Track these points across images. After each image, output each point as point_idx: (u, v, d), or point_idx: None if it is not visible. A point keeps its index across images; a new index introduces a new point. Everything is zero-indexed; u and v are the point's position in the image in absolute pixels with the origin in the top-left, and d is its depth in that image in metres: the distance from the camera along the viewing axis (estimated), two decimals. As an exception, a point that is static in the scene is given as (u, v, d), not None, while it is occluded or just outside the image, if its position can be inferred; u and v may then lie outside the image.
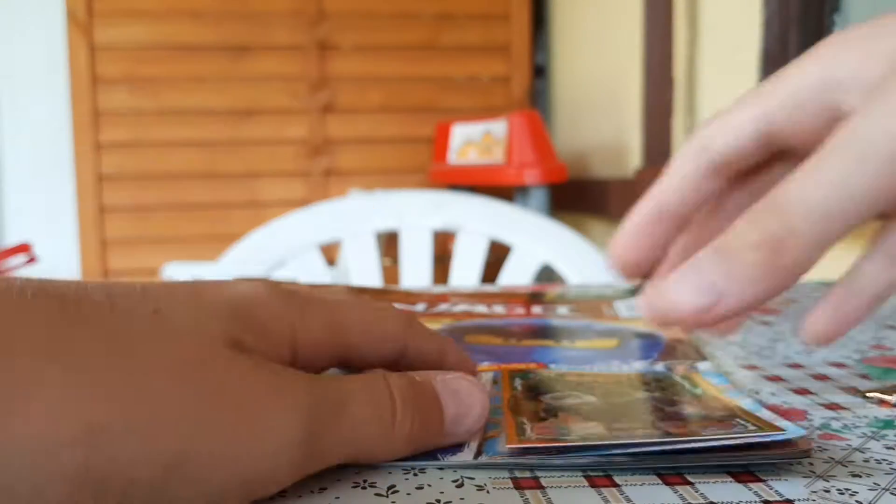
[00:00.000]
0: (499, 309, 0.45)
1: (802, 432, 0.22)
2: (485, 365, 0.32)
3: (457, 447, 0.23)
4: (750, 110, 0.24)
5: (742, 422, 0.23)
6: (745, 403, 0.25)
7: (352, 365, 0.24)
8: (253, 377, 0.19)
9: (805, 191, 0.20)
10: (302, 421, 0.19)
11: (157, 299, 0.20)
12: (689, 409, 0.25)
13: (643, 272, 0.26)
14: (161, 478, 0.17)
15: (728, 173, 0.25)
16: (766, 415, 0.24)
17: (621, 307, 0.45)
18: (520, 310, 0.45)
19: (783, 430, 0.22)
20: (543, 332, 0.40)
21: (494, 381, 0.29)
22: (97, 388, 0.17)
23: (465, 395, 0.23)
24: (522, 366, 0.31)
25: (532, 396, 0.27)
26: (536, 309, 0.45)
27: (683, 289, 0.20)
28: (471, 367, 0.27)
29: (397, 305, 0.46)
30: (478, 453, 0.22)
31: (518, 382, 0.28)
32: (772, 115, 0.24)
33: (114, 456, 0.16)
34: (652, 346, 0.35)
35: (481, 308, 0.45)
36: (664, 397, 0.26)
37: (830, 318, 0.23)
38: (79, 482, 0.16)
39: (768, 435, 0.21)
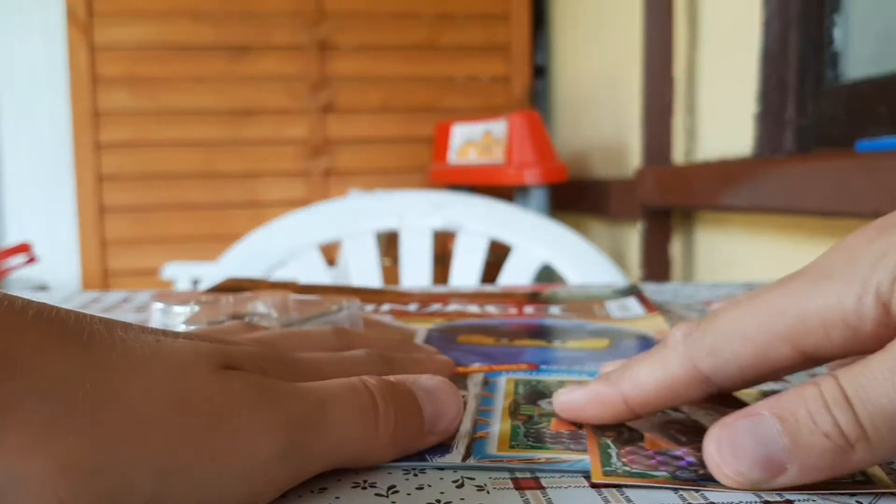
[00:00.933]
0: (491, 309, 0.45)
1: None
2: (476, 365, 0.32)
3: (445, 449, 0.23)
4: (762, 340, 0.22)
5: None
6: None
7: None
8: (234, 399, 0.19)
9: (878, 398, 0.19)
10: (280, 437, 0.19)
11: (156, 332, 0.20)
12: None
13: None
14: None
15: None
16: None
17: (613, 307, 0.45)
18: (512, 310, 0.45)
19: None
20: (535, 332, 0.40)
21: (485, 382, 0.29)
22: (76, 424, 0.16)
23: (440, 394, 0.23)
24: (513, 366, 0.32)
25: (532, 401, 0.27)
26: (528, 309, 0.45)
27: (744, 461, 0.20)
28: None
29: (390, 306, 0.46)
30: (467, 454, 0.22)
31: (521, 388, 0.29)
32: (795, 340, 0.21)
33: (87, 495, 0.16)
34: (642, 346, 0.35)
35: (473, 308, 0.45)
36: None
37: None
38: None
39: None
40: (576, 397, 0.24)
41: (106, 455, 0.16)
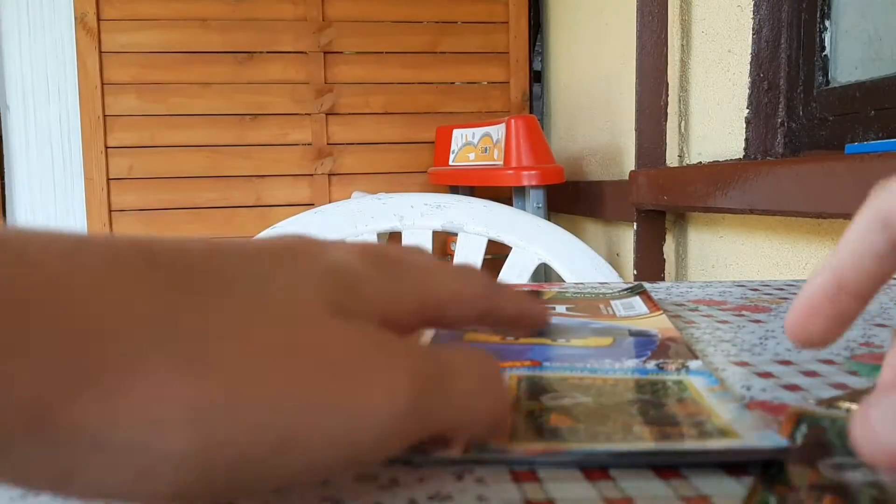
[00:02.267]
0: None
1: (776, 444, 0.22)
2: None
3: (446, 443, 0.23)
4: None
5: (710, 429, 0.23)
6: (730, 409, 0.25)
7: (436, 327, 0.24)
8: (359, 347, 0.19)
9: None
10: (411, 390, 0.18)
11: (258, 266, 0.19)
12: (670, 414, 0.25)
13: (823, 344, 0.23)
14: (268, 457, 0.17)
15: None
16: (746, 423, 0.24)
17: (619, 306, 0.45)
18: None
19: (736, 447, 0.22)
20: (541, 330, 0.40)
21: None
22: (202, 369, 0.16)
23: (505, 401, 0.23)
24: (517, 363, 0.32)
25: (533, 396, 0.27)
26: None
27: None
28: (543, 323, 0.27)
29: None
30: (466, 448, 0.22)
31: (524, 383, 0.29)
32: None
33: (218, 438, 0.16)
34: (646, 344, 0.35)
35: None
36: (653, 400, 0.27)
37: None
38: (184, 464, 0.16)
39: (710, 452, 0.21)
40: (793, 312, 0.23)
41: (234, 399, 0.16)
